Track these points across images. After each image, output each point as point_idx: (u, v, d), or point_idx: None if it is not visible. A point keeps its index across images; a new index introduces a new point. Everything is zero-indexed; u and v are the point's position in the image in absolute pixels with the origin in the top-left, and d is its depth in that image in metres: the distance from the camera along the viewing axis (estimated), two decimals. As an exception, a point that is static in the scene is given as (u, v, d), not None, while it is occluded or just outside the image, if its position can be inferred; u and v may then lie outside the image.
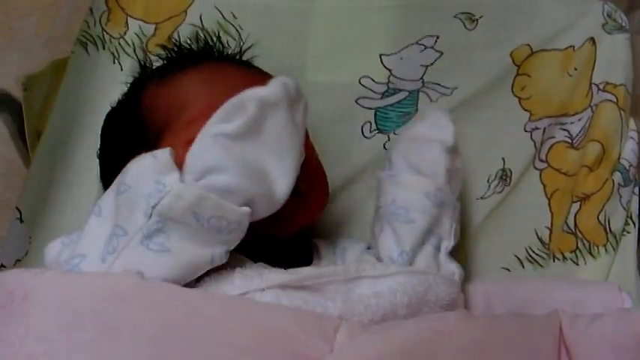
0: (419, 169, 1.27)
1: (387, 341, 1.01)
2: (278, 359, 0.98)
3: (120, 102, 1.38)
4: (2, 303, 1.02)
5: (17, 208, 1.38)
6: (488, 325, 1.09)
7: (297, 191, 1.12)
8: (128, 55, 1.49)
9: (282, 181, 1.08)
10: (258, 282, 1.08)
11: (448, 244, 1.26)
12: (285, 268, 1.16)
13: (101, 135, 1.39)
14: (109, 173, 1.27)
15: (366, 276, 1.14)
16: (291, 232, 1.24)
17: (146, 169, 1.07)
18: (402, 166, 1.29)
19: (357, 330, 1.03)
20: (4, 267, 1.35)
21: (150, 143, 1.20)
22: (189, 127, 1.16)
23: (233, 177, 1.05)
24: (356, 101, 1.49)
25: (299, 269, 1.18)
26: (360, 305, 1.09)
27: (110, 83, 1.46)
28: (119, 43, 1.50)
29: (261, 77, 1.25)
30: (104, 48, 1.49)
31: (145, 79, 1.36)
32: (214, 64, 1.35)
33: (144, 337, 0.97)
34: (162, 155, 1.09)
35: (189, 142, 1.09)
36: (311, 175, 1.23)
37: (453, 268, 1.25)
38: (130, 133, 1.28)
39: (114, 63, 1.49)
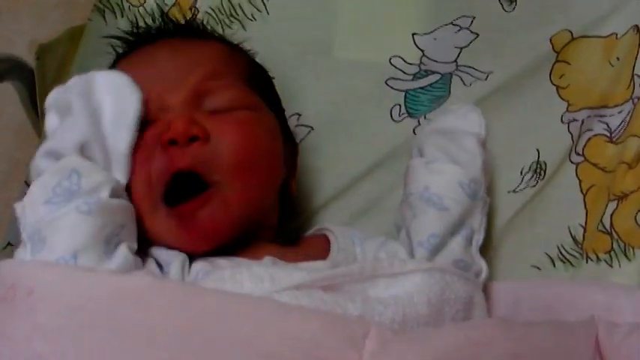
0: (454, 159, 1.25)
1: (420, 352, 0.97)
2: (303, 366, 0.94)
3: None
4: (3, 295, 0.97)
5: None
6: (525, 334, 1.05)
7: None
8: (147, 24, 1.43)
9: None
10: (270, 285, 1.04)
11: (479, 237, 1.25)
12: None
13: None
14: None
15: (382, 274, 1.10)
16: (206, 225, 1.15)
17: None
18: (436, 154, 1.27)
19: (388, 337, 0.98)
20: (12, 245, 1.31)
21: None
22: None
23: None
24: (385, 82, 1.44)
25: (312, 264, 1.16)
26: (379, 305, 1.05)
27: None
28: (139, 11, 1.45)
29: (206, 46, 1.28)
30: (122, 16, 1.44)
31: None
32: (150, 47, 1.29)
33: (159, 339, 0.93)
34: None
35: None
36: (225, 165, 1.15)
37: (481, 265, 1.24)
38: None
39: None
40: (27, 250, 1.03)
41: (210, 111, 1.18)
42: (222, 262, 1.14)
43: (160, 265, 1.13)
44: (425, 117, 1.43)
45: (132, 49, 1.31)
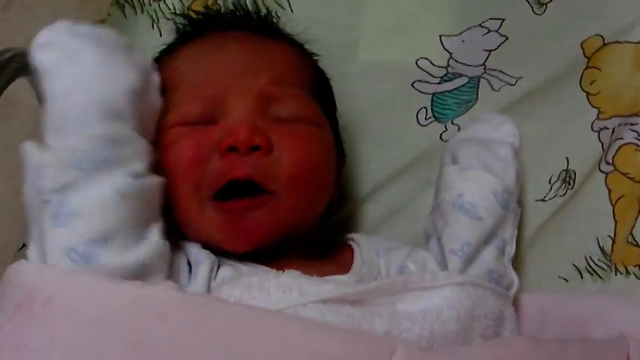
0: (489, 167, 1.24)
1: None
2: (327, 386, 0.91)
3: None
4: (20, 302, 0.94)
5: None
6: (555, 353, 1.01)
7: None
8: (168, 19, 1.40)
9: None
10: (298, 296, 1.02)
11: (511, 249, 1.23)
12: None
13: None
14: None
15: (412, 288, 1.07)
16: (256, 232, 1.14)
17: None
18: (471, 162, 1.25)
19: (416, 355, 0.94)
20: (26, 247, 1.28)
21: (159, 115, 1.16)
22: (168, 112, 1.15)
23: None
24: (412, 84, 1.41)
25: (337, 277, 1.14)
26: (407, 321, 1.02)
27: (148, 49, 1.36)
28: (159, 6, 1.42)
29: (276, 47, 1.26)
30: (142, 11, 1.41)
31: (167, 48, 1.30)
32: (221, 35, 1.26)
33: (181, 355, 0.90)
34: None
35: (171, 125, 1.14)
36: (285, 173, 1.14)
37: (513, 278, 1.21)
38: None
39: (152, 27, 1.41)
40: (46, 220, 0.98)
41: (274, 119, 1.16)
42: (245, 268, 1.12)
43: (189, 264, 1.11)
44: (452, 122, 1.41)
45: (200, 33, 1.28)
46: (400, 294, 1.07)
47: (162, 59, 1.25)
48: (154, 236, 1.03)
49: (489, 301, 1.11)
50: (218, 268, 1.11)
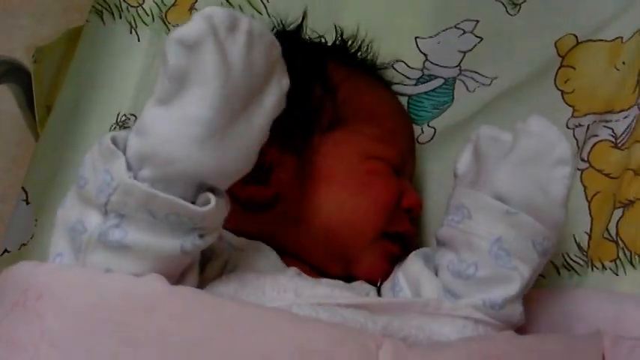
0: (540, 216, 1.12)
1: None
2: (317, 381, 0.92)
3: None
4: (16, 299, 0.95)
5: (23, 189, 1.31)
6: (535, 347, 1.05)
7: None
8: (146, 25, 1.43)
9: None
10: (293, 297, 1.04)
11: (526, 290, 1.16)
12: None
13: None
14: None
15: (411, 311, 1.08)
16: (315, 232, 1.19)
17: (95, 159, 0.97)
18: (520, 204, 1.11)
19: (402, 349, 0.97)
20: (8, 252, 1.29)
21: (321, 123, 1.21)
22: (374, 141, 1.22)
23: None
24: (389, 88, 1.41)
25: (338, 282, 1.14)
26: (399, 334, 1.03)
27: (126, 55, 1.40)
28: (137, 12, 1.43)
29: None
30: (121, 17, 1.42)
31: (329, 55, 1.31)
32: (386, 87, 1.37)
33: (170, 349, 0.91)
34: (105, 141, 0.96)
35: (372, 156, 1.21)
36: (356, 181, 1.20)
37: (522, 316, 1.15)
38: (300, 98, 1.14)
39: (130, 33, 1.42)
40: (95, 232, 0.95)
41: None
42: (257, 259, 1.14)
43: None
44: (428, 124, 1.42)
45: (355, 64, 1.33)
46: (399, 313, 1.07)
47: (355, 73, 1.29)
48: (192, 277, 1.03)
49: (492, 334, 1.10)
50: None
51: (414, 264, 1.19)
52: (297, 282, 1.07)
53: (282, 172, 1.19)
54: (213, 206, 0.95)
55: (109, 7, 1.41)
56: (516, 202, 1.11)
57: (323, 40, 1.39)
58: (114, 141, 0.96)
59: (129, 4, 1.42)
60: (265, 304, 1.01)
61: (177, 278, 1.01)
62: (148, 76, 1.38)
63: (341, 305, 1.03)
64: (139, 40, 1.40)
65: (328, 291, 1.07)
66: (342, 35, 1.37)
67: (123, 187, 0.94)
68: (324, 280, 1.13)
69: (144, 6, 1.42)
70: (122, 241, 0.95)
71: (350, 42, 1.36)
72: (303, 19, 1.36)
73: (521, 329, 1.23)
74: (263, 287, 1.05)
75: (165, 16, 1.42)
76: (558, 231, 1.15)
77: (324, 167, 1.19)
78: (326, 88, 1.23)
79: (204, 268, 1.09)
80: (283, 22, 1.37)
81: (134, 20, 1.42)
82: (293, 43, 1.27)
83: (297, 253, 1.19)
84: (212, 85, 0.92)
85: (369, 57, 1.37)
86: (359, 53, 1.36)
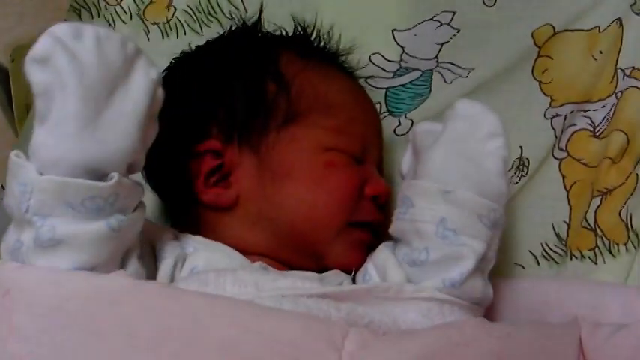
0: (480, 189, 1.14)
1: (400, 352, 0.96)
2: (282, 370, 0.93)
3: (240, 59, 1.27)
4: None
5: (2, 187, 1.30)
6: (507, 335, 1.03)
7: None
8: (124, 22, 1.43)
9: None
10: (254, 290, 1.04)
11: (489, 265, 1.17)
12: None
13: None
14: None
15: (376, 297, 1.08)
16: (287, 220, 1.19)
17: (9, 182, 1.01)
18: (455, 183, 1.14)
19: (368, 338, 0.97)
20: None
21: (276, 119, 1.21)
22: (331, 133, 1.22)
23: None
24: (366, 80, 1.41)
25: (301, 273, 1.15)
26: (363, 319, 1.03)
27: None
28: (115, 10, 1.43)
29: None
30: (99, 15, 1.43)
31: (279, 46, 1.29)
32: (347, 75, 1.35)
33: (137, 341, 0.92)
34: (11, 158, 1.01)
35: (330, 148, 1.20)
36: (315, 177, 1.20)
37: (491, 293, 1.18)
38: (254, 95, 1.22)
39: (108, 31, 1.41)
40: (30, 239, 0.98)
41: None
42: (218, 258, 1.14)
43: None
44: (406, 116, 1.41)
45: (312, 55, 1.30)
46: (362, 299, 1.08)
47: (307, 63, 1.26)
48: (134, 264, 1.05)
49: (459, 316, 1.11)
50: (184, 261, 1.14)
51: (382, 253, 1.20)
52: (259, 276, 1.08)
53: (242, 173, 1.20)
54: (116, 181, 0.99)
55: (87, 5, 1.42)
56: (452, 181, 1.14)
57: (282, 33, 1.38)
58: (18, 155, 1.00)
59: (107, 3, 1.42)
60: None
61: (118, 264, 1.03)
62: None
63: (303, 295, 1.03)
64: (117, 39, 1.40)
65: (290, 282, 1.07)
66: (301, 26, 1.36)
67: (37, 187, 0.97)
68: (292, 272, 1.14)
69: (122, 4, 1.42)
70: (54, 237, 0.98)
71: (310, 32, 1.35)
72: (260, 13, 1.37)
73: (496, 318, 1.24)
74: (224, 284, 1.05)
75: (144, 13, 1.42)
76: (503, 201, 1.17)
77: (282, 164, 1.19)
78: (279, 83, 1.23)
79: (158, 268, 1.12)
80: (243, 19, 1.37)
81: (112, 18, 1.42)
82: (247, 40, 1.30)
83: (266, 251, 1.19)
84: (71, 83, 0.96)
85: (329, 45, 1.36)
86: (318, 43, 1.35)
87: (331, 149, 1.21)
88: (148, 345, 0.91)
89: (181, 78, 1.27)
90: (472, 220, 1.13)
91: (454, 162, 1.16)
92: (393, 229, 1.19)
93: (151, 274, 1.10)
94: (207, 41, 1.34)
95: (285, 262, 1.19)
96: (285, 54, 1.26)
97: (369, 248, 1.22)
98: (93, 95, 0.98)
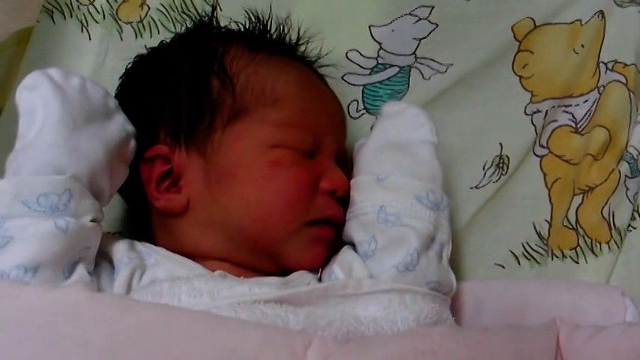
0: (414, 173, 1.17)
1: None
2: (241, 384, 0.90)
3: (180, 53, 1.25)
4: None
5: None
6: (478, 341, 1.00)
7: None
8: (97, 22, 1.40)
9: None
10: (209, 300, 1.01)
11: (448, 249, 1.17)
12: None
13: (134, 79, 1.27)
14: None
15: (335, 295, 1.06)
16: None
17: None
18: (387, 169, 1.17)
19: (332, 348, 0.94)
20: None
21: (221, 117, 1.17)
22: (277, 127, 1.17)
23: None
24: (342, 77, 1.38)
25: (261, 279, 1.11)
26: (323, 320, 1.01)
27: (78, 54, 1.38)
28: (88, 10, 1.41)
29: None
30: (72, 16, 1.40)
31: (228, 42, 1.25)
32: (302, 66, 1.29)
33: (92, 353, 0.90)
34: None
35: (276, 144, 1.15)
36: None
37: (452, 281, 1.17)
38: (198, 94, 1.19)
39: (82, 32, 1.40)
40: None
41: None
42: (178, 270, 1.11)
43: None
44: (382, 114, 1.38)
45: (263, 47, 1.25)
46: (323, 298, 1.06)
47: (254, 58, 1.22)
48: (82, 273, 1.04)
49: (422, 305, 1.08)
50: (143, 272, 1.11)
51: (346, 253, 1.18)
52: (214, 284, 1.05)
53: (190, 176, 1.17)
54: (70, 175, 1.04)
55: (60, 6, 1.39)
56: (386, 169, 1.18)
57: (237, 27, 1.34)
58: None
59: (80, 3, 1.39)
60: None
61: (63, 270, 1.03)
62: (99, 73, 1.36)
63: (260, 301, 1.01)
64: (90, 39, 1.38)
65: (246, 289, 1.04)
66: (257, 18, 1.32)
67: None
68: (252, 280, 1.10)
69: (95, 4, 1.39)
70: (5, 234, 1.01)
71: (266, 24, 1.31)
72: (213, 9, 1.35)
73: (474, 321, 1.22)
74: (179, 295, 1.03)
75: (117, 12, 1.39)
76: (439, 183, 1.18)
77: (226, 165, 1.16)
78: (223, 79, 1.19)
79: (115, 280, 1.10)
80: (200, 17, 1.35)
81: (85, 18, 1.39)
82: (195, 38, 1.27)
83: (223, 255, 1.16)
84: (54, 102, 1.07)
85: (285, 37, 1.31)
86: (273, 35, 1.31)
87: (277, 146, 1.16)
88: (103, 358, 0.90)
89: (132, 82, 1.25)
90: (411, 202, 1.14)
91: (385, 153, 1.20)
92: (344, 233, 1.19)
93: (107, 287, 1.09)
94: (160, 43, 1.31)
95: (245, 266, 1.16)
96: (233, 49, 1.22)
97: (334, 244, 1.19)
98: (72, 117, 1.07)
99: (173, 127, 1.17)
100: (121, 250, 1.12)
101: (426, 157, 1.18)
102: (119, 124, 1.14)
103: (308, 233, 1.17)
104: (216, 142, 1.15)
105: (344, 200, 1.20)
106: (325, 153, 1.20)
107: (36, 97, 1.07)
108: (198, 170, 1.16)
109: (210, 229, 1.16)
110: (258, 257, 1.16)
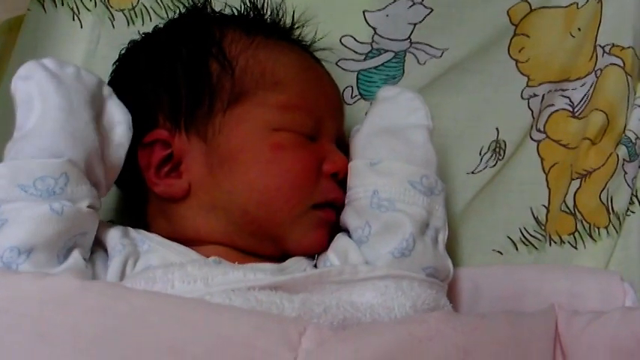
0: (408, 157, 1.15)
1: (360, 350, 0.90)
2: (234, 371, 0.88)
3: (179, 39, 1.23)
4: None
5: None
6: (475, 326, 0.98)
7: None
8: (89, 10, 1.38)
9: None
10: (203, 286, 1.00)
11: (444, 234, 1.16)
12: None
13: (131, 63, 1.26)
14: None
15: (330, 281, 1.05)
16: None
17: None
18: (381, 154, 1.16)
19: (326, 335, 0.92)
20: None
21: (221, 101, 1.16)
22: (279, 110, 1.16)
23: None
24: (336, 63, 1.36)
25: (256, 265, 1.11)
26: (319, 307, 0.99)
27: (70, 42, 1.36)
28: (79, -2, 1.39)
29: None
30: (62, 4, 1.38)
31: (224, 26, 1.23)
32: (300, 49, 1.28)
33: (83, 344, 0.88)
34: None
35: (278, 128, 1.15)
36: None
37: (449, 267, 1.15)
38: (197, 78, 1.18)
39: (73, 20, 1.37)
40: None
41: None
42: (172, 256, 1.10)
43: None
44: (378, 99, 1.37)
45: (261, 32, 1.24)
46: (318, 285, 1.04)
47: (252, 41, 1.21)
48: (77, 258, 1.04)
49: (419, 292, 1.07)
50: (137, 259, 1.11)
51: (341, 240, 1.16)
52: (208, 270, 1.03)
53: (191, 161, 1.16)
54: (67, 159, 1.04)
55: (51, -7, 1.38)
56: (379, 154, 1.16)
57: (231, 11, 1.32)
58: None
59: (71, -10, 1.39)
60: None
61: (58, 254, 1.03)
62: (91, 61, 1.34)
63: (255, 288, 1.00)
64: (81, 27, 1.36)
65: (241, 275, 1.03)
66: (252, 3, 1.30)
67: None
68: (247, 265, 1.08)
69: (86, -9, 1.39)
70: (0, 217, 1.01)
71: (260, 9, 1.29)
72: None
73: (472, 308, 1.20)
74: (172, 281, 1.01)
75: (108, 0, 1.38)
76: (433, 168, 1.17)
77: (229, 148, 1.15)
78: (222, 62, 1.18)
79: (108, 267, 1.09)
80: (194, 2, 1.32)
81: (76, 6, 1.37)
82: (191, 23, 1.25)
83: (223, 239, 1.15)
84: (49, 89, 1.07)
85: (280, 21, 1.30)
86: (268, 19, 1.29)
87: (279, 129, 1.15)
88: (94, 347, 0.88)
89: (127, 68, 1.24)
90: (404, 187, 1.13)
91: (379, 138, 1.18)
92: (340, 220, 1.18)
93: (102, 275, 1.08)
94: (154, 28, 1.29)
95: (245, 250, 1.15)
96: (230, 33, 1.21)
97: (332, 227, 1.19)
98: (68, 103, 1.08)
99: (172, 111, 1.16)
100: (114, 237, 1.11)
101: (420, 142, 1.17)
102: (114, 111, 1.14)
103: (312, 216, 1.16)
104: (217, 126, 1.14)
105: (344, 184, 1.18)
106: (326, 136, 1.20)
107: (32, 86, 1.08)
108: (200, 154, 1.15)
109: (212, 214, 1.15)
110: (260, 241, 1.15)
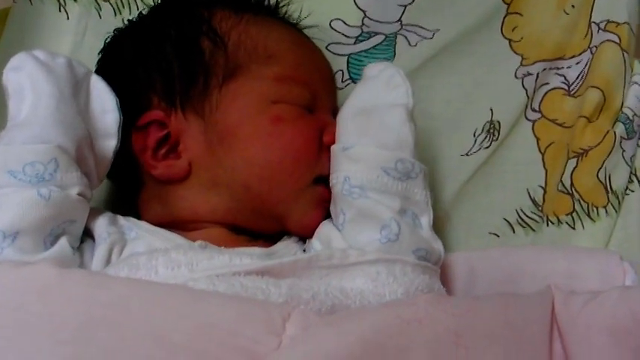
0: (380, 141, 1.12)
1: (345, 334, 0.88)
2: (218, 358, 0.85)
3: (167, 18, 1.23)
4: None
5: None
6: (468, 309, 0.95)
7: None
8: (75, 1, 1.35)
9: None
10: (187, 272, 0.99)
11: (428, 218, 1.12)
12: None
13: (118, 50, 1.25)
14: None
15: (319, 266, 1.02)
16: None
17: None
18: (352, 139, 1.14)
19: (312, 320, 0.90)
20: None
21: (216, 77, 1.15)
22: (275, 82, 1.16)
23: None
24: (326, 47, 1.33)
25: (248, 250, 1.09)
26: (307, 293, 0.97)
27: (56, 33, 1.33)
28: (66, -12, 1.37)
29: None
30: (50, -5, 1.36)
31: (212, 7, 1.22)
32: (290, 26, 1.28)
33: (62, 334, 0.86)
34: None
35: (276, 100, 1.14)
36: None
37: (439, 250, 1.12)
38: (190, 56, 1.17)
39: (60, 11, 1.35)
40: None
41: None
42: (158, 242, 1.09)
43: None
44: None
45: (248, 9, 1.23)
46: (307, 271, 1.02)
47: (242, 17, 1.20)
48: (64, 245, 1.03)
49: (412, 277, 1.05)
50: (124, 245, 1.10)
51: (324, 227, 1.14)
52: (192, 255, 1.02)
53: (190, 140, 1.14)
54: (56, 145, 1.04)
55: (36, -15, 1.37)
56: (352, 139, 1.13)
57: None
58: None
59: (57, -19, 1.37)
60: None
61: (45, 240, 1.03)
62: (78, 52, 1.32)
63: (240, 273, 0.98)
64: (68, 18, 1.34)
65: (226, 260, 1.01)
66: None
67: None
68: (235, 250, 1.06)
69: (72, -17, 1.37)
70: None
71: None
72: None
73: (468, 291, 1.18)
74: (156, 267, 1.00)
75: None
76: (410, 149, 1.13)
77: (228, 125, 1.13)
78: (213, 39, 1.16)
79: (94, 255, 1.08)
80: None
81: (64, -2, 1.37)
82: (179, 4, 1.23)
83: (223, 218, 1.14)
84: (40, 79, 1.08)
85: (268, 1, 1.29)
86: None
87: (277, 101, 1.14)
88: (75, 338, 0.86)
89: (115, 54, 1.23)
90: (377, 174, 1.10)
91: (353, 120, 1.15)
92: None
93: (89, 263, 1.07)
94: (140, 12, 1.28)
95: (244, 228, 1.14)
96: (218, 12, 1.19)
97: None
98: (59, 92, 1.08)
99: (166, 91, 1.15)
100: (101, 225, 1.10)
101: (395, 123, 1.13)
102: (104, 99, 1.13)
103: (314, 192, 1.15)
104: (214, 103, 1.13)
105: None
106: (322, 109, 1.19)
107: (23, 76, 1.08)
108: (198, 132, 1.14)
109: (213, 191, 1.14)
110: (259, 218, 1.14)
